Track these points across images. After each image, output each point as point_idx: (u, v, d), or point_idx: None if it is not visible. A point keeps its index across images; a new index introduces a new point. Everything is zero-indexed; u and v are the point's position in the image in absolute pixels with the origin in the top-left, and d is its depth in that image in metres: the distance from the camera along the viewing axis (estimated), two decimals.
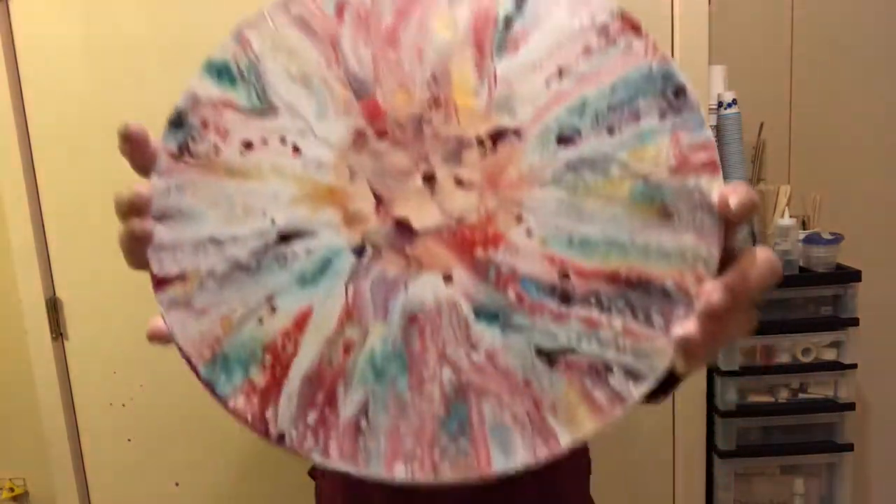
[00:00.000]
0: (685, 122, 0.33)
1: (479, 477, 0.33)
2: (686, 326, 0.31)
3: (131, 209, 0.34)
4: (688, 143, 0.33)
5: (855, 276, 1.15)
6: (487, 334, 0.34)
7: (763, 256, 0.30)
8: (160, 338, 0.35)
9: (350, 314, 0.34)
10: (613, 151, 0.34)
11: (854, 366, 1.17)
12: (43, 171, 1.25)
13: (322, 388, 0.34)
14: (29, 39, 1.22)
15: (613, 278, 0.33)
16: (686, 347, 0.31)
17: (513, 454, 0.33)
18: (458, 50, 0.35)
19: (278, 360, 0.34)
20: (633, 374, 0.33)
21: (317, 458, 0.34)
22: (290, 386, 0.34)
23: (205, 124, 0.35)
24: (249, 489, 1.36)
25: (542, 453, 0.33)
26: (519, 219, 0.34)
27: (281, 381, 0.34)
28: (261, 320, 0.34)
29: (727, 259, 0.32)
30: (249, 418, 0.34)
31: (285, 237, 0.35)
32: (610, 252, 0.33)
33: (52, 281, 1.29)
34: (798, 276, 1.17)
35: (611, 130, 0.34)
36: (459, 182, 0.34)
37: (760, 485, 1.25)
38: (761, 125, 1.25)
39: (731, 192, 0.31)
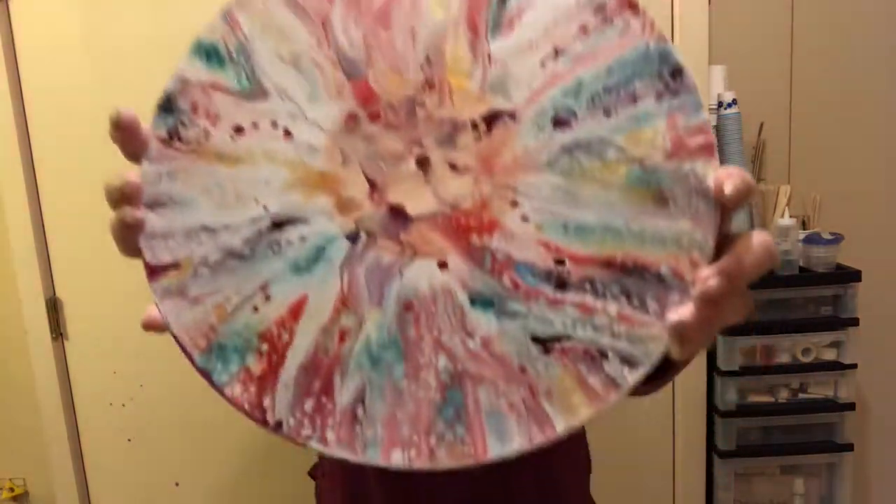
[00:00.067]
0: (682, 104, 0.33)
1: (476, 463, 0.33)
2: (681, 312, 0.31)
3: (122, 197, 0.34)
4: (684, 126, 0.33)
5: (855, 276, 1.15)
6: (483, 321, 0.34)
7: (759, 240, 0.30)
8: (155, 326, 0.35)
9: (345, 302, 0.34)
10: (609, 134, 0.33)
11: (854, 366, 1.17)
12: (43, 171, 1.25)
13: (318, 376, 0.34)
14: (29, 39, 1.22)
15: (608, 264, 0.33)
16: (681, 333, 0.31)
17: (509, 440, 0.33)
18: (452, 29, 0.34)
19: (274, 348, 0.34)
20: (628, 360, 0.33)
21: (314, 446, 0.34)
22: (286, 374, 0.34)
23: (194, 108, 0.35)
24: (249, 489, 1.36)
25: (538, 439, 0.33)
26: (514, 204, 0.34)
27: (277, 369, 0.34)
28: (255, 308, 0.34)
29: (723, 243, 0.32)
30: (247, 406, 0.34)
31: (278, 224, 0.35)
32: (605, 238, 0.33)
33: (52, 281, 1.29)
34: (798, 276, 1.17)
35: (607, 113, 0.33)
36: (454, 167, 0.34)
37: (760, 485, 1.25)
38: (761, 125, 1.25)
39: (726, 177, 0.31)
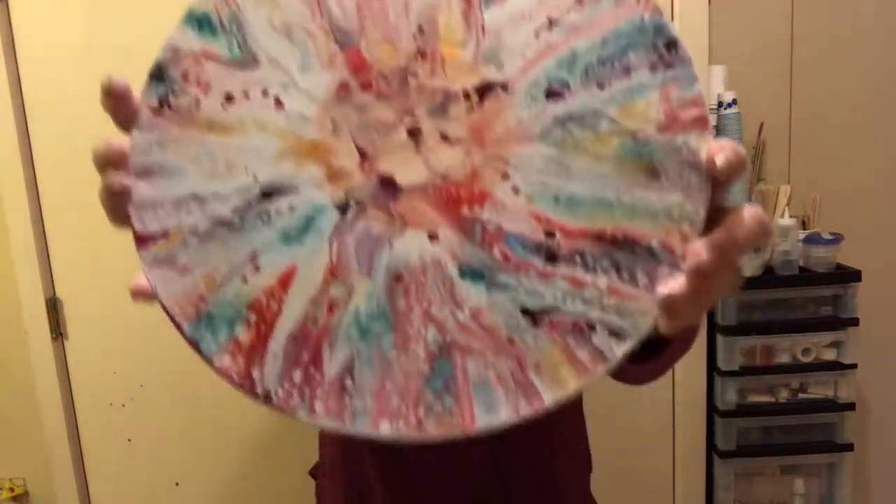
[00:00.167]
0: (676, 76, 0.33)
1: (463, 434, 0.33)
2: (671, 285, 0.31)
3: (107, 162, 0.34)
4: (678, 98, 0.32)
5: (855, 276, 1.15)
6: (472, 293, 0.34)
7: (751, 214, 0.30)
8: (143, 295, 0.34)
9: (334, 272, 0.34)
10: (602, 106, 0.33)
11: (854, 366, 1.17)
12: (43, 171, 1.25)
13: (307, 346, 0.34)
14: (29, 39, 1.22)
15: (599, 237, 0.33)
16: (670, 306, 0.31)
17: (496, 412, 0.33)
18: None
19: (263, 318, 0.34)
20: (616, 333, 0.33)
21: (302, 416, 0.34)
22: (275, 344, 0.34)
23: (185, 77, 0.35)
24: (249, 489, 1.36)
25: (526, 411, 0.33)
26: (505, 176, 0.34)
27: (266, 339, 0.34)
28: (245, 278, 0.34)
29: (715, 217, 0.32)
30: (235, 377, 0.34)
31: (268, 194, 0.34)
32: (596, 210, 0.33)
33: (52, 281, 1.29)
34: (798, 276, 1.17)
35: (600, 84, 0.33)
36: (445, 137, 0.34)
37: (760, 485, 1.25)
38: (761, 125, 1.25)
39: (718, 150, 0.31)
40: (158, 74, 0.35)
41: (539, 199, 0.33)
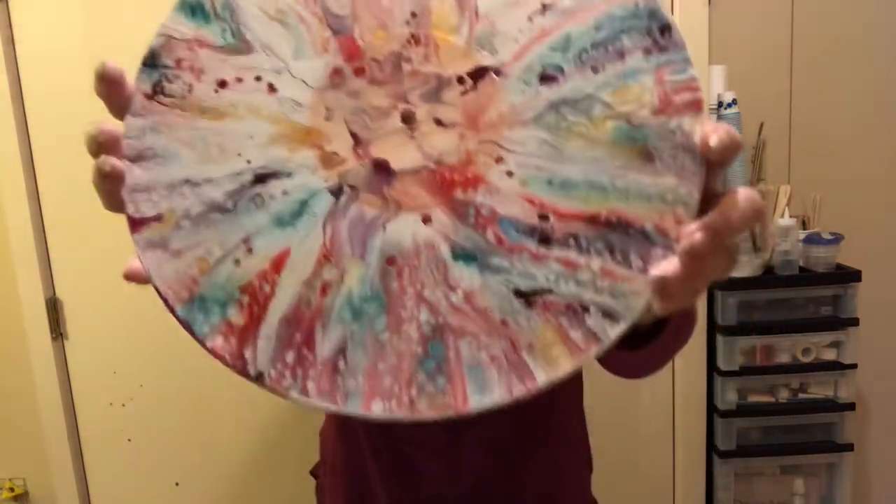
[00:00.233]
0: (670, 60, 0.33)
1: (456, 413, 0.33)
2: (664, 267, 0.31)
3: (99, 146, 0.34)
4: (672, 82, 0.33)
5: (855, 276, 1.15)
6: (466, 275, 0.34)
7: (745, 196, 0.30)
8: (136, 278, 0.35)
9: (328, 255, 0.34)
10: (596, 91, 0.33)
11: (854, 366, 1.17)
12: (43, 171, 1.25)
13: (300, 328, 0.34)
14: (29, 39, 1.22)
15: (593, 220, 0.33)
16: (664, 288, 0.31)
17: (489, 392, 0.33)
18: None
19: (256, 300, 0.34)
20: (609, 315, 0.33)
21: (295, 397, 0.34)
22: (267, 326, 0.34)
23: (179, 63, 0.35)
24: (249, 489, 1.36)
25: (519, 391, 0.33)
26: (499, 160, 0.34)
27: (259, 321, 0.34)
28: (237, 261, 0.34)
29: (710, 200, 0.32)
30: (228, 358, 0.34)
31: (261, 178, 0.35)
32: (590, 194, 0.33)
33: (52, 281, 1.29)
34: (798, 276, 1.17)
35: (594, 69, 0.33)
36: (439, 122, 0.34)
37: (760, 485, 1.25)
38: (761, 125, 1.25)
39: (711, 132, 0.31)
40: (151, 62, 0.35)
41: (533, 182, 0.34)
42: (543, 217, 0.33)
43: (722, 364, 1.18)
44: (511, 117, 0.34)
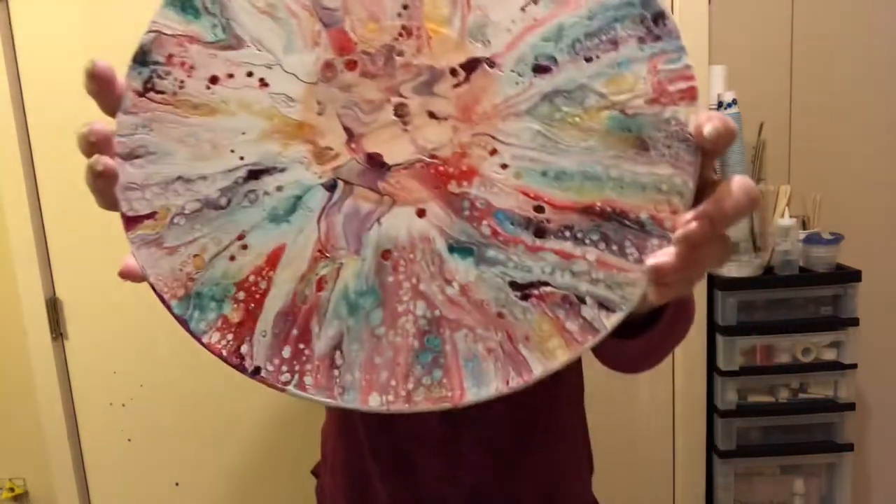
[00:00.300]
0: (664, 49, 0.32)
1: (453, 405, 0.33)
2: (660, 256, 0.31)
3: (90, 146, 0.34)
4: (666, 71, 0.32)
5: (855, 276, 1.15)
6: (461, 268, 0.34)
7: (739, 184, 0.30)
8: (132, 276, 0.35)
9: (323, 250, 0.34)
10: (590, 80, 0.33)
11: (854, 366, 1.17)
12: (43, 171, 1.25)
13: (296, 323, 0.34)
14: (29, 39, 1.22)
15: (588, 211, 0.33)
16: (659, 277, 0.31)
17: (486, 384, 0.33)
18: None
19: (252, 296, 0.34)
20: (605, 305, 0.33)
21: (292, 391, 0.34)
22: (264, 321, 0.34)
23: (169, 60, 0.35)
24: (249, 489, 1.36)
25: (516, 383, 0.33)
26: (493, 152, 0.34)
27: (255, 316, 0.34)
28: (232, 258, 0.34)
29: (705, 189, 0.32)
30: (224, 353, 0.34)
31: (255, 174, 0.34)
32: (585, 185, 0.33)
33: (52, 281, 1.29)
34: (798, 276, 1.17)
35: (588, 58, 0.33)
36: (432, 114, 0.34)
37: (760, 485, 1.25)
38: (761, 125, 1.25)
39: (706, 121, 0.31)
40: (142, 58, 0.35)
41: (527, 174, 0.33)
42: (538, 209, 0.33)
43: (722, 364, 1.18)
44: (505, 109, 0.34)
